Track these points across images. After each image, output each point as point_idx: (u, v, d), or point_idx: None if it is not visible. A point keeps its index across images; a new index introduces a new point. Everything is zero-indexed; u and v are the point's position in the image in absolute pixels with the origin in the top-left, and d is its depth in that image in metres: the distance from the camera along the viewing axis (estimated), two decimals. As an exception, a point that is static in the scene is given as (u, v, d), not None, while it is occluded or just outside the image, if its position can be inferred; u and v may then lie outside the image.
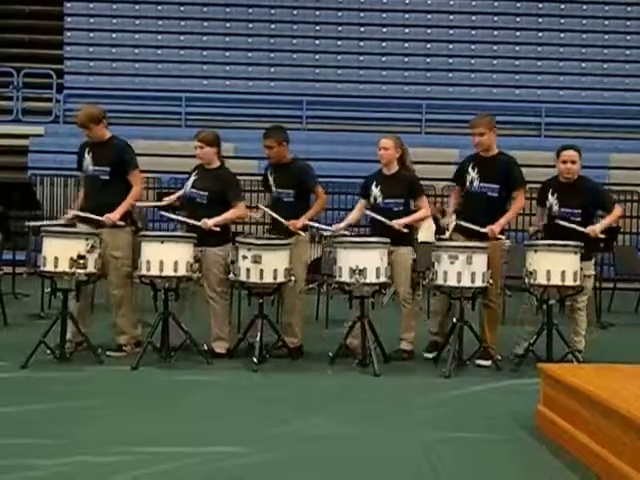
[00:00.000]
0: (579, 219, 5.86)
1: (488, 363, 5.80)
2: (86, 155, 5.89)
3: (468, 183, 6.00)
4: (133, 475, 3.42)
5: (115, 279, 5.86)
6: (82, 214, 5.81)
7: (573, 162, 5.90)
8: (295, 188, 6.04)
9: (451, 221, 6.01)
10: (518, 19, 14.43)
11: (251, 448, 3.82)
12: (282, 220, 5.87)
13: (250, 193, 8.45)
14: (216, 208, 5.84)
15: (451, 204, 6.29)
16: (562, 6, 14.44)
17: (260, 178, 6.47)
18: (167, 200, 6.21)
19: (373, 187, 6.08)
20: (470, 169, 6.01)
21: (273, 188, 6.10)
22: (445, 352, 5.80)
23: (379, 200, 6.04)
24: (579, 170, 5.97)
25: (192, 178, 5.99)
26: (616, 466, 3.34)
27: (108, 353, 5.79)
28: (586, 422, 3.71)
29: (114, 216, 5.67)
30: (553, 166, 6.22)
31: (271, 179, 6.12)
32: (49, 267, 5.40)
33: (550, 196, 5.95)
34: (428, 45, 14.30)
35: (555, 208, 5.91)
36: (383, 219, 5.83)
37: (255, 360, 5.51)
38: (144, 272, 5.53)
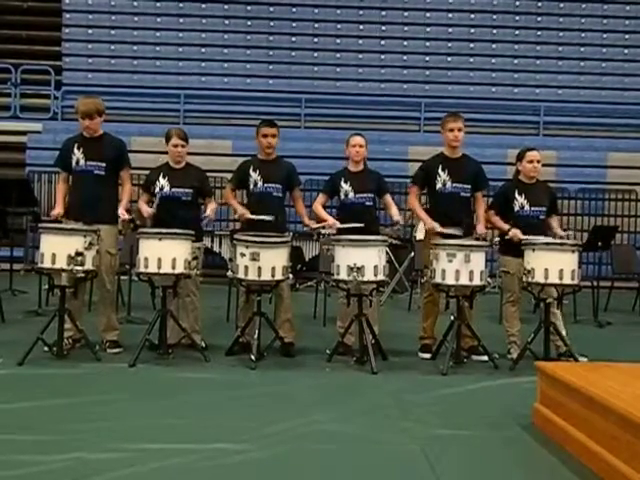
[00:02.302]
0: (544, 217, 6.13)
1: (485, 358, 5.82)
2: (75, 151, 5.85)
3: (440, 185, 6.03)
4: (130, 471, 3.41)
5: (110, 276, 5.87)
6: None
7: (538, 162, 6.16)
8: (283, 184, 6.10)
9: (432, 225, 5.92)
10: (517, 17, 14.43)
11: (249, 445, 3.81)
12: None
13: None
14: (196, 204, 6.06)
15: (418, 206, 6.20)
16: (561, 5, 14.45)
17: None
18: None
19: (342, 183, 6.16)
20: (440, 170, 6.04)
21: (259, 184, 6.05)
22: (442, 350, 5.82)
23: (350, 195, 6.12)
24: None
25: (163, 179, 5.96)
26: (613, 464, 3.35)
27: (109, 351, 5.80)
28: (583, 420, 3.71)
29: (122, 212, 5.71)
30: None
31: (254, 175, 6.07)
32: (47, 264, 5.36)
33: (518, 197, 6.09)
34: (427, 43, 14.30)
35: (526, 208, 6.08)
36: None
37: (253, 358, 5.51)
38: (142, 269, 5.51)
